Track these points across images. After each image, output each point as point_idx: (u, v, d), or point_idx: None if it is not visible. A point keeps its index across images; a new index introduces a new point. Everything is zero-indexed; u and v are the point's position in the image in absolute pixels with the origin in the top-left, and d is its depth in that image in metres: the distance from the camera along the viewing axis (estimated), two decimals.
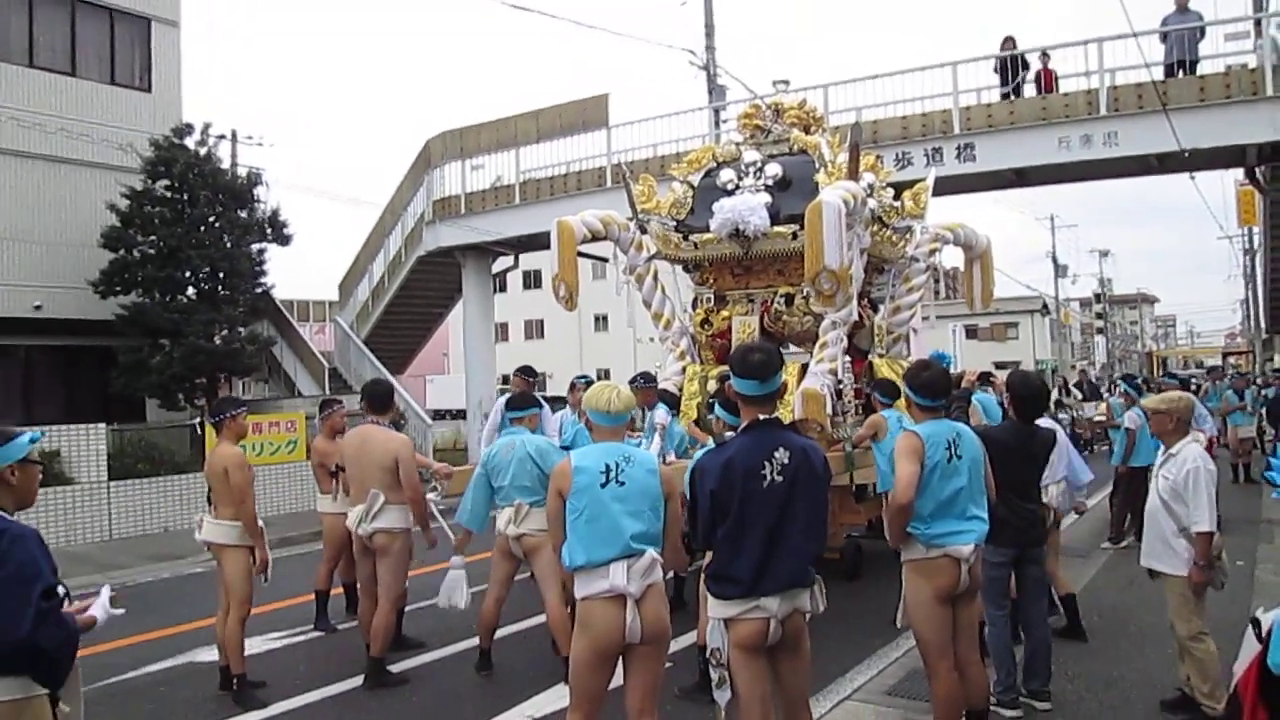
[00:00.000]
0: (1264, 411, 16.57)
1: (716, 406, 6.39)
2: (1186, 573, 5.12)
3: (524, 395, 6.88)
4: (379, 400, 6.68)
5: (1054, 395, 19.45)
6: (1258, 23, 14.44)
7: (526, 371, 8.99)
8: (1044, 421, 5.95)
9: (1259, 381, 22.25)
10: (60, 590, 3.20)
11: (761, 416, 3.89)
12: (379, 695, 6.13)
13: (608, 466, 3.93)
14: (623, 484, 3.91)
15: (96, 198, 16.76)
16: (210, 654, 6.91)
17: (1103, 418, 14.91)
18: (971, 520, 4.54)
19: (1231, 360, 43.44)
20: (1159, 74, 14.40)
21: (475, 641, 6.66)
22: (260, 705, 6.02)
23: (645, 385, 8.38)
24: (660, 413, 7.85)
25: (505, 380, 9.13)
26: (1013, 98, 15.53)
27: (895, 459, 4.55)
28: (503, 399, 8.97)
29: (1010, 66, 15.63)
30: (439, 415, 33.64)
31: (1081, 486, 7.28)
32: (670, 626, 4.03)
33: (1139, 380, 12.49)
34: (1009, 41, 15.86)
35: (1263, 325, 31.86)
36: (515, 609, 7.22)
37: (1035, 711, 5.36)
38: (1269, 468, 3.96)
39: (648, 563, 3.86)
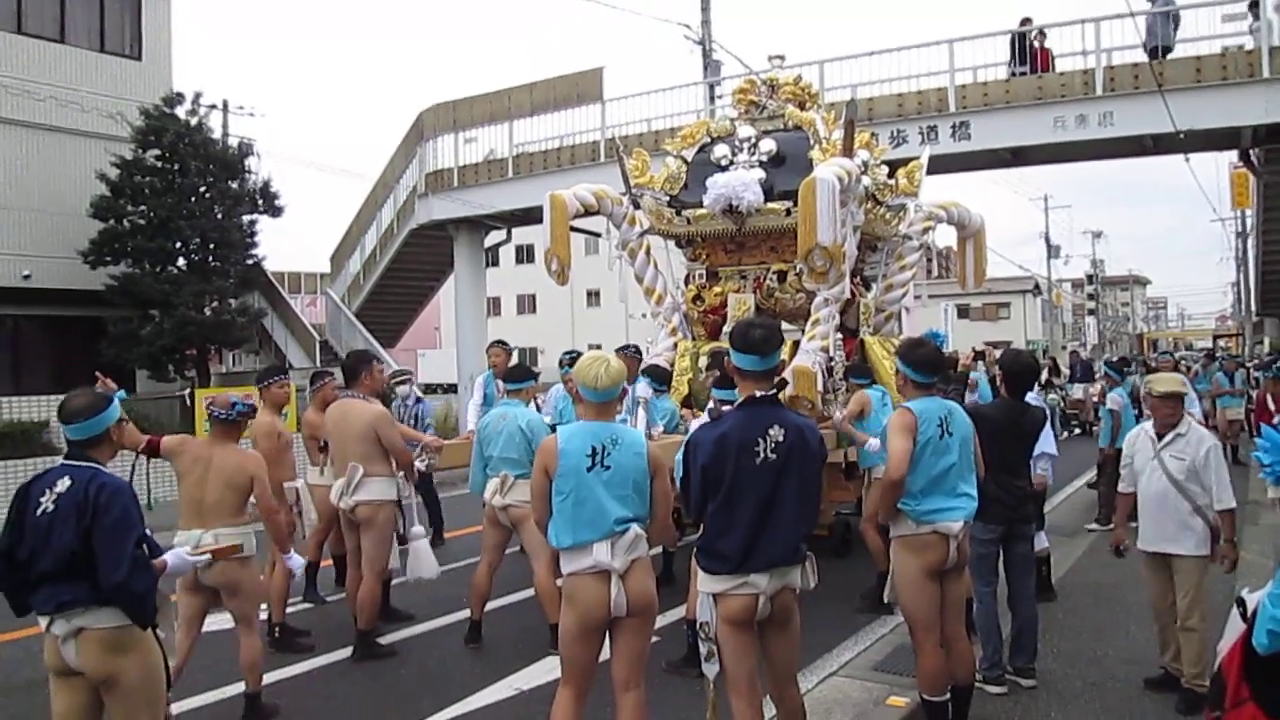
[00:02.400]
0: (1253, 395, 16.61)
1: (712, 390, 6.40)
2: (1206, 552, 5.15)
3: (521, 368, 6.90)
4: (347, 371, 6.76)
5: (1043, 375, 19.53)
6: (1255, 4, 14.38)
7: (503, 343, 9.01)
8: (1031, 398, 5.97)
9: (1249, 364, 22.32)
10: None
11: (759, 393, 3.88)
12: (367, 667, 6.15)
13: (594, 449, 3.88)
14: (609, 468, 3.87)
15: (86, 167, 16.61)
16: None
17: (1091, 398, 14.95)
18: (961, 497, 4.55)
19: (1221, 343, 43.57)
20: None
21: (465, 614, 6.69)
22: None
23: (631, 355, 8.34)
24: (641, 386, 7.78)
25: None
26: (1011, 77, 15.47)
27: (888, 435, 4.55)
28: (485, 374, 8.99)
29: (1024, 46, 15.54)
30: (430, 389, 33.61)
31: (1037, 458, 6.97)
32: (657, 600, 4.03)
33: (1131, 361, 12.51)
34: (1026, 21, 15.78)
35: (1253, 308, 31.94)
36: (504, 582, 7.23)
37: (1021, 688, 5.39)
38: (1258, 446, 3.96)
39: (631, 538, 3.85)
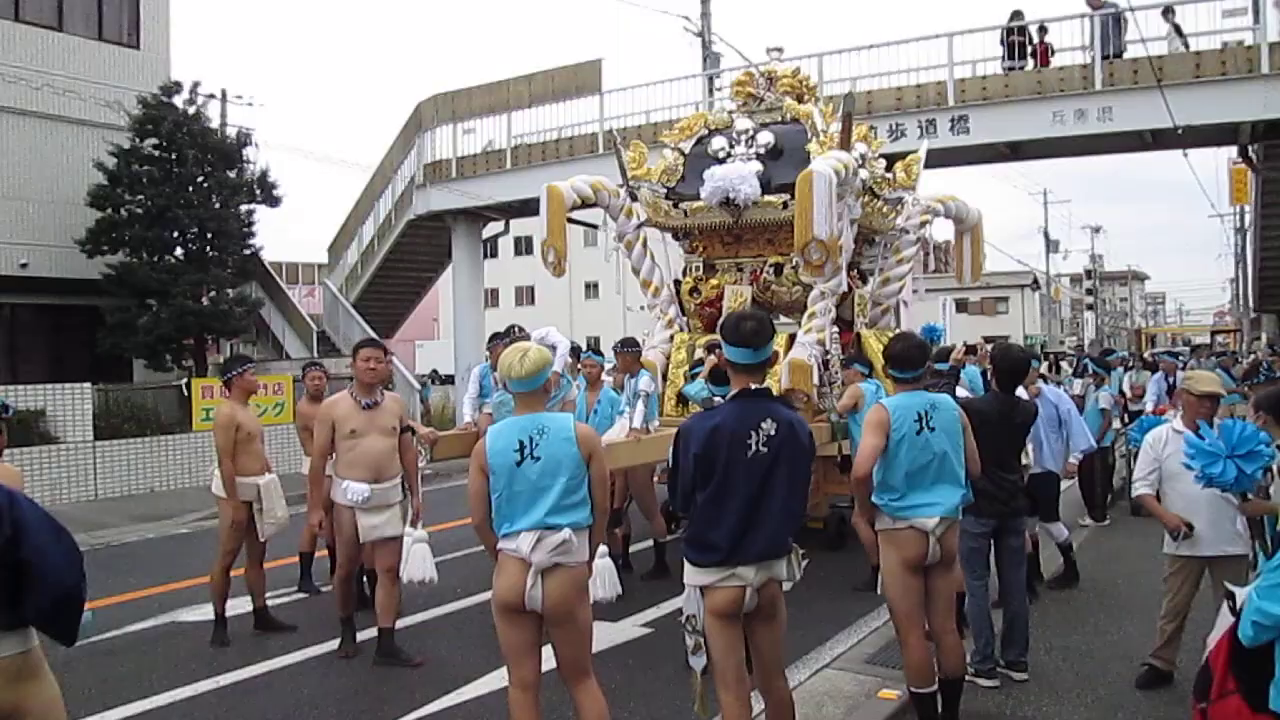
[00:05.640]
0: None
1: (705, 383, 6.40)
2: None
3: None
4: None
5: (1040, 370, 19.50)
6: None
7: (503, 337, 8.85)
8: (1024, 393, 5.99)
9: (1244, 362, 22.30)
10: None
11: (753, 386, 3.87)
12: (362, 657, 6.13)
13: (521, 444, 3.85)
14: (538, 459, 3.84)
15: (83, 155, 16.62)
16: (193, 614, 6.95)
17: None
18: (940, 492, 4.55)
19: (1219, 339, 43.52)
20: (1155, 50, 14.35)
21: (458, 605, 6.69)
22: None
23: (626, 351, 8.31)
24: (644, 380, 7.79)
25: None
26: (1008, 72, 15.46)
27: (863, 431, 4.59)
28: (480, 366, 8.94)
29: (1017, 42, 15.51)
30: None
31: (1079, 451, 7.71)
32: (581, 611, 3.96)
33: (1128, 356, 12.48)
34: (1017, 15, 15.77)
35: (1251, 304, 31.92)
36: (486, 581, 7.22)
37: (1012, 681, 5.41)
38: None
39: (559, 540, 3.81)
